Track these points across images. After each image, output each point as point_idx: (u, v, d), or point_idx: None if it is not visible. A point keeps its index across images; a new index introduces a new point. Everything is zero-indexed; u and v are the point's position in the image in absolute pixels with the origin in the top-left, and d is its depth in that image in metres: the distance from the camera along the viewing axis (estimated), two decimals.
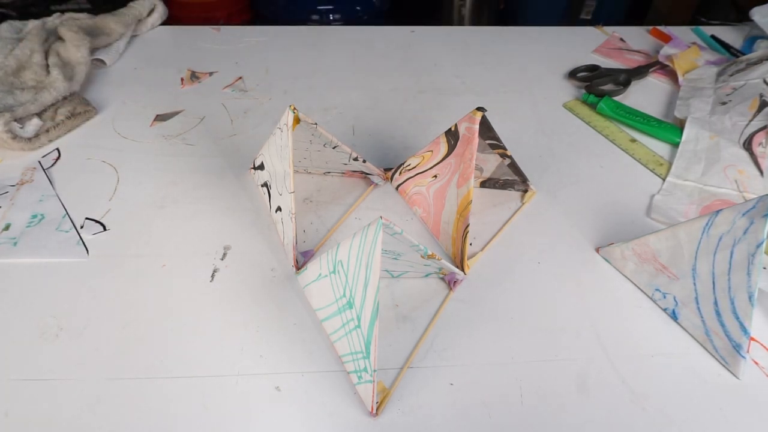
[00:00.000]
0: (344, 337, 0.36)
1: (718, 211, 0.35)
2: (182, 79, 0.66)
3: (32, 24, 0.69)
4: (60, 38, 0.65)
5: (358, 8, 1.34)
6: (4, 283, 0.42)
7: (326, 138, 0.43)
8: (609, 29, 0.81)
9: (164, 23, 0.78)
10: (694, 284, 0.38)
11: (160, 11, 0.77)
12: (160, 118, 0.60)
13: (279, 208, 0.45)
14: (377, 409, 0.34)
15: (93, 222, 0.47)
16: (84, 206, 0.48)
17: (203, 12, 1.27)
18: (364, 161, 0.48)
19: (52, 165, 0.53)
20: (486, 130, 0.42)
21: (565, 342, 0.39)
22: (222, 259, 0.44)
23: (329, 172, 0.52)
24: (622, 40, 0.78)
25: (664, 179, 0.53)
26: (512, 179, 0.50)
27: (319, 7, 1.31)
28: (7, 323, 0.39)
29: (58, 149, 0.55)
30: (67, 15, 0.70)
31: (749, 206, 0.33)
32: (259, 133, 0.58)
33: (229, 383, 0.36)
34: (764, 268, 0.40)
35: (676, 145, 0.57)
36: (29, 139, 0.53)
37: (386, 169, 0.52)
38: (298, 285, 0.42)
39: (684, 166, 0.54)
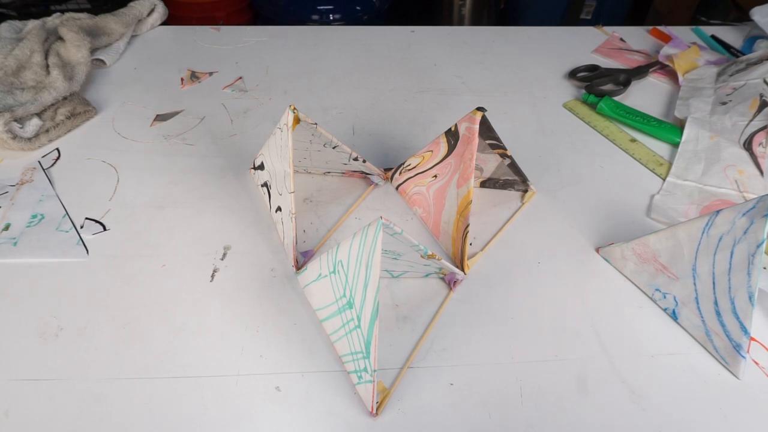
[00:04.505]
0: (344, 337, 0.36)
1: (718, 211, 0.35)
2: (182, 79, 0.66)
3: (32, 24, 0.69)
4: (60, 38, 0.65)
5: (358, 8, 1.35)
6: (4, 283, 0.42)
7: (326, 138, 0.43)
8: (609, 29, 0.81)
9: (164, 23, 0.78)
10: (694, 284, 0.38)
11: (160, 11, 0.77)
12: (160, 118, 0.60)
13: (279, 208, 0.45)
14: (377, 409, 0.34)
15: (93, 222, 0.47)
16: (84, 206, 0.48)
17: (203, 12, 1.27)
18: (364, 161, 0.48)
19: (52, 165, 0.53)
20: (486, 130, 0.42)
21: (565, 342, 0.39)
22: (222, 259, 0.44)
23: (329, 172, 0.52)
24: (622, 40, 0.78)
25: (664, 179, 0.53)
26: (512, 179, 0.50)
27: (319, 7, 1.31)
28: (7, 323, 0.39)
29: (58, 149, 0.55)
30: (67, 15, 0.70)
31: (749, 206, 0.33)
32: (259, 133, 0.58)
33: (229, 383, 0.36)
34: (764, 268, 0.40)
35: (676, 145, 0.57)
36: (29, 139, 0.53)
37: (386, 169, 0.52)
38: (298, 285, 0.42)
39: (684, 166, 0.54)
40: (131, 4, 0.75)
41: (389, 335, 0.39)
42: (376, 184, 0.52)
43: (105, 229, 0.46)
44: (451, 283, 0.42)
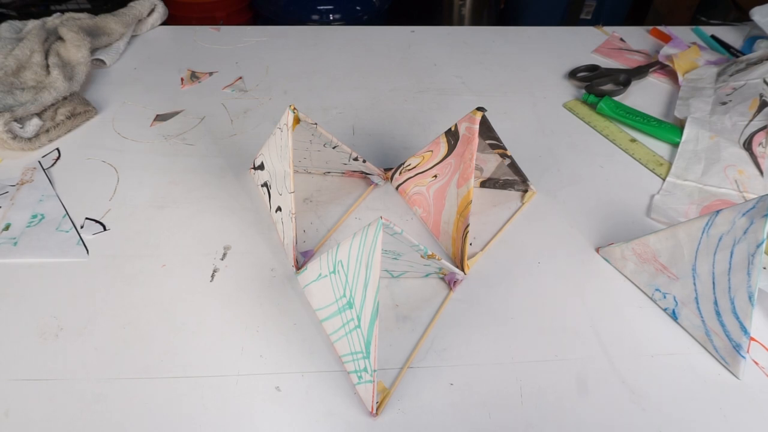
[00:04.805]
0: (344, 337, 0.36)
1: (718, 211, 0.35)
2: (182, 79, 0.66)
3: (32, 24, 0.69)
4: (60, 38, 0.65)
5: (358, 8, 1.35)
6: (4, 283, 0.42)
7: (326, 138, 0.43)
8: (609, 29, 0.81)
9: (164, 23, 0.78)
10: (694, 284, 0.38)
11: (160, 11, 0.77)
12: (160, 118, 0.60)
13: (279, 208, 0.45)
14: (377, 409, 0.34)
15: (93, 222, 0.47)
16: (84, 206, 0.48)
17: (203, 12, 1.27)
18: (364, 161, 0.48)
19: (52, 165, 0.53)
20: (486, 130, 0.42)
21: (565, 342, 0.39)
22: (222, 259, 0.44)
23: (329, 172, 0.52)
24: (622, 40, 0.78)
25: (664, 179, 0.53)
26: (512, 179, 0.50)
27: (319, 7, 1.31)
28: (7, 323, 0.39)
29: (58, 149, 0.55)
30: (67, 15, 0.70)
31: (749, 206, 0.33)
32: (259, 133, 0.58)
33: (229, 383, 0.36)
34: (764, 268, 0.40)
35: (676, 145, 0.57)
36: (29, 139, 0.53)
37: (386, 169, 0.52)
38: (298, 285, 0.42)
39: (684, 166, 0.54)
40: (131, 4, 0.75)
41: (389, 335, 0.39)
42: (376, 184, 0.52)
43: (105, 229, 0.46)
44: (451, 283, 0.42)
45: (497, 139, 0.43)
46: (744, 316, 0.35)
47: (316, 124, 0.41)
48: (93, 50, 0.66)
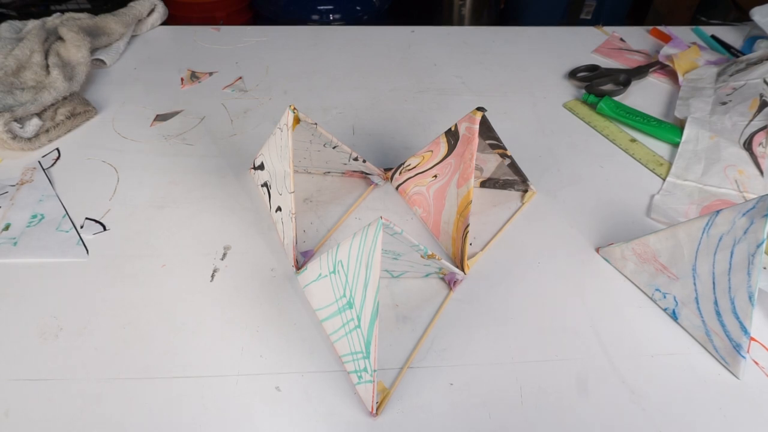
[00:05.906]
0: (344, 337, 0.36)
1: (718, 211, 0.35)
2: (182, 79, 0.66)
3: (32, 24, 0.69)
4: (60, 38, 0.65)
5: (358, 8, 1.35)
6: (4, 283, 0.42)
7: (326, 138, 0.43)
8: (609, 29, 0.81)
9: (164, 23, 0.78)
10: (694, 284, 0.38)
11: (160, 11, 0.77)
12: (160, 118, 0.60)
13: (279, 208, 0.45)
14: (377, 409, 0.34)
15: (93, 222, 0.47)
16: (84, 206, 0.48)
17: (203, 12, 1.28)
18: (364, 161, 0.48)
19: (52, 165, 0.53)
20: (486, 130, 0.42)
21: (565, 342, 0.39)
22: (222, 259, 0.44)
23: (329, 172, 0.52)
24: (622, 40, 0.78)
25: (664, 179, 0.53)
26: (512, 179, 0.50)
27: (319, 7, 1.31)
28: (7, 323, 0.39)
29: (58, 149, 0.55)
30: (67, 15, 0.70)
31: (749, 206, 0.33)
32: (259, 133, 0.58)
33: (229, 383, 0.36)
34: (764, 268, 0.40)
35: (676, 145, 0.57)
36: (29, 139, 0.53)
37: (386, 169, 0.52)
38: (298, 285, 0.42)
39: (684, 166, 0.54)
40: (131, 4, 0.75)
41: (389, 335, 0.39)
42: (376, 184, 0.52)
43: (105, 229, 0.46)
44: (451, 283, 0.42)
45: (497, 139, 0.43)
46: (744, 316, 0.35)
47: (316, 124, 0.41)
48: (93, 50, 0.66)
